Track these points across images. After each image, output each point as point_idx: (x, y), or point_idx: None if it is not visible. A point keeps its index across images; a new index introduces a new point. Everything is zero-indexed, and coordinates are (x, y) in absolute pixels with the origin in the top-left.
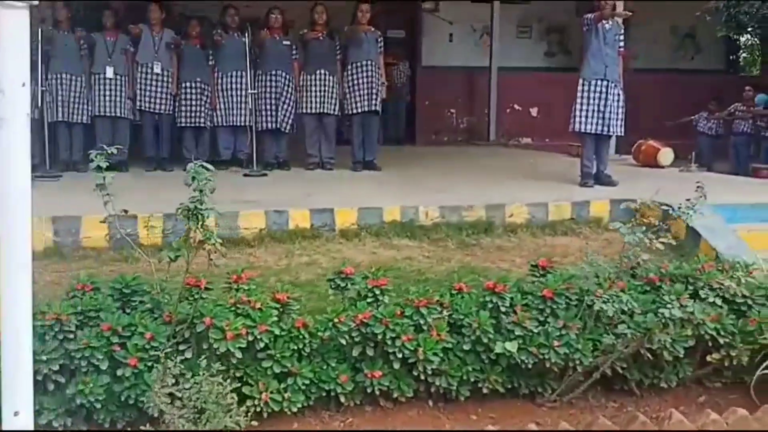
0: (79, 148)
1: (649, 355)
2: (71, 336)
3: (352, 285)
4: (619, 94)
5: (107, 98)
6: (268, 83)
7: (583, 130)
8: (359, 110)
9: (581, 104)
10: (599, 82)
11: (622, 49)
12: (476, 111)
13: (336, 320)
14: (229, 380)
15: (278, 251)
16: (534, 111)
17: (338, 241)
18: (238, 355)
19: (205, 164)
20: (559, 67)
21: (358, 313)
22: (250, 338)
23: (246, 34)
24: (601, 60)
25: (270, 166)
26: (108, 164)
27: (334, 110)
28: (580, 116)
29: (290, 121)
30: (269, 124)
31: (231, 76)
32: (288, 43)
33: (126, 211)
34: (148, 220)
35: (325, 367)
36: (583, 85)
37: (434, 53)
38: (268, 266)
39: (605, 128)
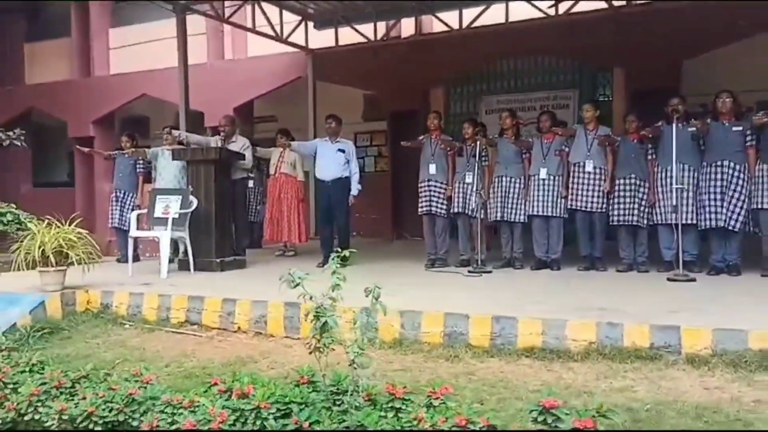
0: (519, 246)
1: None
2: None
3: (557, 421)
4: None
5: (541, 198)
6: (713, 175)
7: None
8: None
9: None
10: None
11: None
12: None
13: None
14: None
15: (600, 370)
16: None
17: (680, 368)
18: None
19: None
20: None
21: None
22: None
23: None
24: None
25: (715, 269)
26: None
27: None
28: None
29: (741, 218)
30: (715, 222)
31: (669, 170)
32: (739, 128)
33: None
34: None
35: None
36: None
37: None
38: (569, 385)
39: None
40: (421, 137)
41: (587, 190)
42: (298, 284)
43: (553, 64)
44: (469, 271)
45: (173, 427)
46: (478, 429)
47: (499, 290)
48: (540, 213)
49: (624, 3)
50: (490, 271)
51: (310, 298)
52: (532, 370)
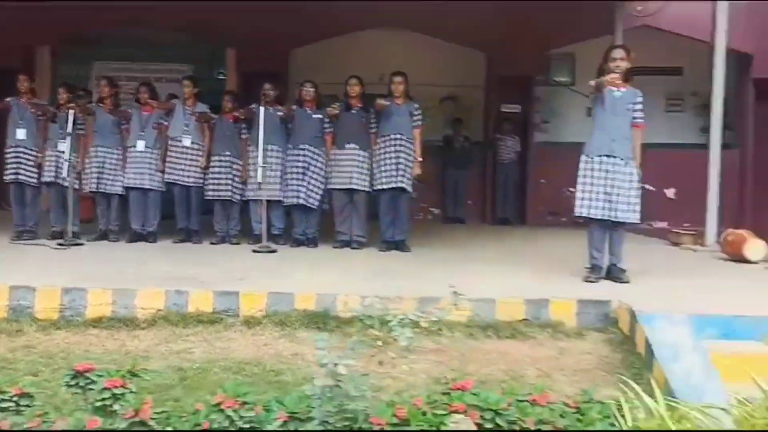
0: (115, 218)
1: None
2: None
3: (90, 384)
4: (631, 174)
5: (138, 170)
6: (296, 157)
7: (586, 215)
8: (386, 186)
9: (584, 185)
10: (604, 159)
11: (638, 122)
12: None
13: None
14: None
15: (164, 336)
16: (671, 192)
17: (237, 329)
18: None
19: None
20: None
21: None
22: None
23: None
24: (607, 133)
25: (297, 242)
26: None
27: (365, 186)
28: (582, 199)
29: (318, 197)
30: (297, 199)
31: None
32: (319, 116)
33: None
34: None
35: None
36: (585, 162)
37: (564, 129)
38: (130, 351)
39: (612, 213)
40: (8, 99)
41: (184, 165)
42: None
43: (171, 37)
44: (59, 244)
45: None
46: (9, 398)
47: (88, 264)
48: (137, 185)
49: None
50: (82, 244)
51: None
52: (98, 339)
